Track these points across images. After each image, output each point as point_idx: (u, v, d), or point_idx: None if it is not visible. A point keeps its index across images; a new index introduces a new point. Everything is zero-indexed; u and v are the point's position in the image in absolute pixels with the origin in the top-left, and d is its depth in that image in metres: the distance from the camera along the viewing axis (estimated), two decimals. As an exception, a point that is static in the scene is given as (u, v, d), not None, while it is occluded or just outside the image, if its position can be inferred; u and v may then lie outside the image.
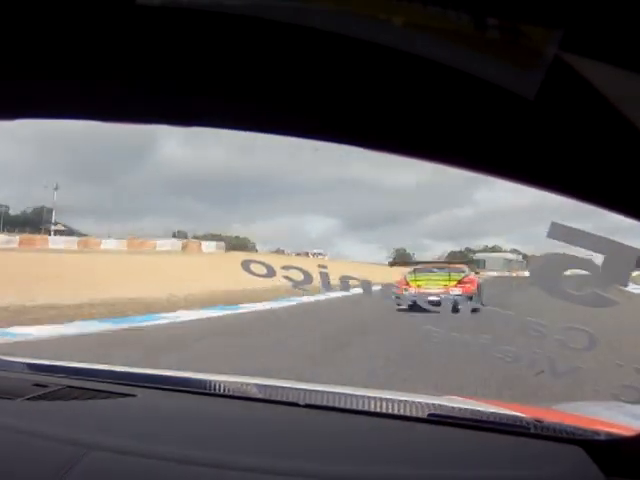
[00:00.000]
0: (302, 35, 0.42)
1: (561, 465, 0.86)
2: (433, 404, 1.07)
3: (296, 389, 1.18)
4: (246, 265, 1.06)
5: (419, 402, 1.10)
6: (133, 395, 1.17)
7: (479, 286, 11.47)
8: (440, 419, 1.01)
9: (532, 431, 0.95)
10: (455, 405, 1.08)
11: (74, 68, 0.47)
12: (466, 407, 1.06)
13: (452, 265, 12.63)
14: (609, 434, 0.90)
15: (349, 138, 0.51)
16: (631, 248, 0.69)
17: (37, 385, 1.21)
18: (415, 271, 11.25)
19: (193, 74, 0.47)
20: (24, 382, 1.24)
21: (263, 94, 0.48)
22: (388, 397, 1.15)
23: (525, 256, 27.19)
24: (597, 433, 0.91)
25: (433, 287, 10.52)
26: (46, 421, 1.07)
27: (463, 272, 11.81)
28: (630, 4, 0.37)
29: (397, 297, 9.85)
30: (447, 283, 10.96)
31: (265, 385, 1.22)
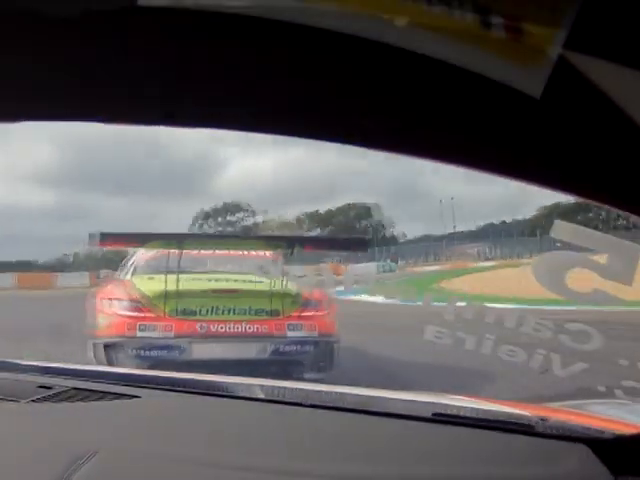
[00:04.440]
0: (306, 35, 0.42)
1: (567, 463, 0.86)
2: (437, 403, 1.07)
3: (300, 389, 1.19)
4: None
5: (423, 401, 1.10)
6: (137, 396, 1.17)
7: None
8: (445, 418, 1.01)
9: (538, 430, 0.94)
10: (460, 404, 1.08)
11: (74, 69, 0.47)
12: (471, 406, 1.06)
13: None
14: (615, 432, 0.90)
15: (353, 138, 0.51)
16: (634, 245, 0.69)
17: (42, 387, 1.22)
18: (169, 260, 4.10)
19: (195, 75, 0.47)
20: (29, 384, 1.24)
21: (266, 95, 0.48)
22: (392, 397, 1.15)
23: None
24: (603, 431, 0.91)
25: (226, 319, 3.91)
26: (51, 423, 1.07)
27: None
28: (635, 3, 0.37)
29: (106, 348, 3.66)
30: (277, 306, 4.05)
31: (269, 386, 1.22)
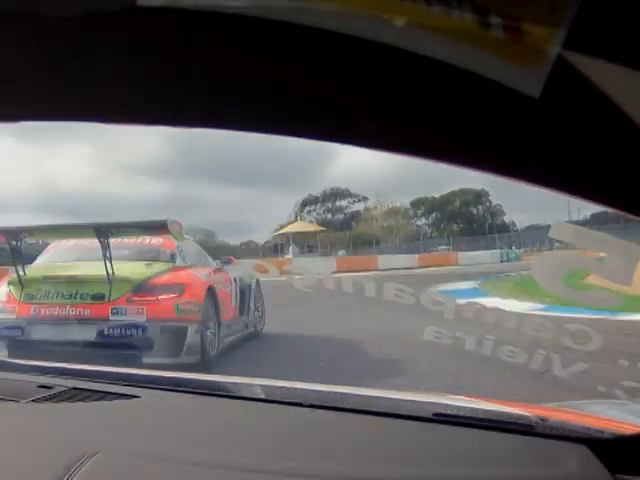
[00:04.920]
0: (305, 35, 0.42)
1: (566, 464, 0.86)
2: (438, 403, 1.07)
3: (300, 389, 1.19)
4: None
5: (423, 401, 1.10)
6: (137, 396, 1.18)
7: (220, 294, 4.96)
8: (445, 418, 1.01)
9: (537, 430, 0.94)
10: (460, 404, 1.08)
11: (74, 69, 0.47)
12: (471, 406, 1.06)
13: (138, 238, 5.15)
14: (614, 432, 0.90)
15: (353, 138, 0.51)
16: (634, 245, 0.69)
17: (42, 387, 1.22)
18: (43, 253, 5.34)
19: (195, 75, 0.48)
20: (28, 384, 1.24)
21: (266, 95, 0.48)
22: (392, 397, 1.15)
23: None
24: (602, 431, 0.91)
25: (54, 303, 4.52)
26: (51, 423, 1.07)
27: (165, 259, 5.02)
28: (635, 3, 0.37)
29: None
30: (105, 291, 4.46)
31: (269, 385, 1.22)
